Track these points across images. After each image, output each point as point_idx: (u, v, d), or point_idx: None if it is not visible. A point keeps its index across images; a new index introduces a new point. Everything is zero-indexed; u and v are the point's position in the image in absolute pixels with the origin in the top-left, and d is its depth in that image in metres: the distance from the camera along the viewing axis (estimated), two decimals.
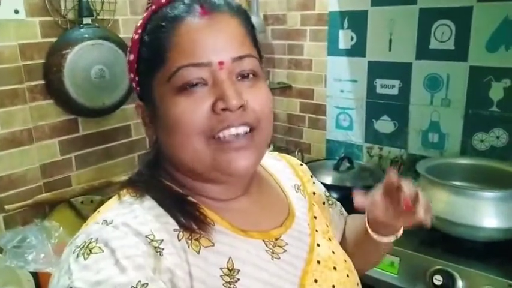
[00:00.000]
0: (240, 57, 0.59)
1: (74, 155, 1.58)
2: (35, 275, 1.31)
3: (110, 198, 1.73)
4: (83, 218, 1.56)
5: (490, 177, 1.38)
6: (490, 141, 1.50)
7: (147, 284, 0.51)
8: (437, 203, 1.26)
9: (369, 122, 1.79)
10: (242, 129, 0.59)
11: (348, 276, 0.71)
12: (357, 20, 1.72)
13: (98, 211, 0.62)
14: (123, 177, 1.72)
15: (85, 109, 1.50)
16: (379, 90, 1.73)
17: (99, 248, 0.53)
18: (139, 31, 0.61)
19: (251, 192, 0.69)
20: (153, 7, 0.61)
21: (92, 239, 0.54)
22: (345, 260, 0.74)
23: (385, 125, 1.75)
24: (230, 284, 0.58)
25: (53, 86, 1.43)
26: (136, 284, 0.50)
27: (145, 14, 0.62)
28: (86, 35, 1.44)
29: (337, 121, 1.88)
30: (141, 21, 0.62)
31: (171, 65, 0.57)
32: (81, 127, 1.58)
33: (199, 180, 0.63)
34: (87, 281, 0.50)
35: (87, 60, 1.44)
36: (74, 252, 0.54)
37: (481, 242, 1.25)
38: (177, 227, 0.58)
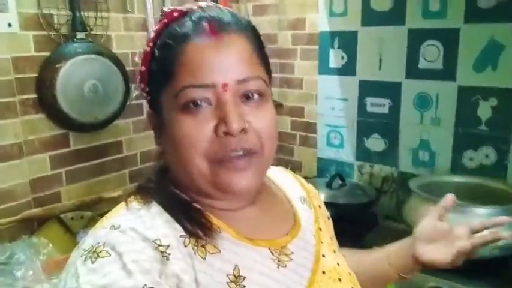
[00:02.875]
0: (245, 80, 0.59)
1: (64, 170, 1.56)
2: None
3: (101, 214, 1.70)
4: (72, 234, 1.54)
5: (480, 195, 1.40)
6: (479, 159, 1.53)
7: None
8: None
9: (359, 140, 1.81)
10: (242, 152, 0.60)
11: None
12: (347, 40, 1.76)
13: (106, 217, 0.62)
14: (114, 194, 1.71)
15: (77, 124, 1.49)
16: (369, 108, 1.75)
17: (107, 252, 0.53)
18: (151, 44, 0.62)
19: (258, 201, 0.69)
20: (165, 20, 0.62)
21: (99, 243, 0.54)
22: (350, 273, 0.73)
23: (375, 143, 1.77)
24: None
25: (45, 100, 1.42)
26: None
27: (157, 27, 0.63)
28: (80, 50, 1.44)
29: (328, 139, 1.90)
30: (153, 34, 0.63)
31: (177, 84, 0.58)
32: (72, 142, 1.56)
33: (202, 195, 0.64)
34: (94, 285, 0.51)
35: (80, 75, 1.44)
36: (81, 256, 0.54)
37: (476, 259, 1.25)
38: (183, 233, 0.59)
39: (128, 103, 1.62)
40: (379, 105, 1.73)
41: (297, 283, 0.64)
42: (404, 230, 1.33)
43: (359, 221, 1.60)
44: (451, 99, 1.55)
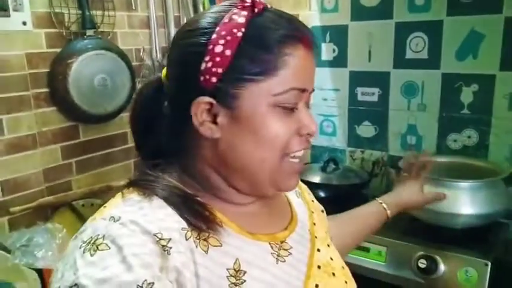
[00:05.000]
0: (313, 91, 0.66)
1: (74, 160, 1.64)
2: (40, 273, 1.35)
3: None
4: (84, 220, 1.61)
5: (464, 173, 1.50)
6: (462, 141, 1.65)
7: (153, 283, 0.51)
8: None
9: (351, 127, 1.92)
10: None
11: (346, 282, 0.73)
12: (338, 34, 1.86)
13: (105, 206, 0.62)
14: (121, 182, 1.79)
15: (87, 116, 1.58)
16: (360, 97, 1.86)
17: (106, 244, 0.52)
18: (242, 29, 0.59)
19: None
20: (255, 10, 0.61)
21: (98, 235, 0.54)
22: (343, 267, 0.76)
23: (366, 129, 1.88)
24: (236, 285, 0.59)
25: (57, 94, 1.51)
26: (142, 283, 0.50)
27: (244, 13, 0.60)
28: (90, 46, 1.53)
29: (321, 128, 2.00)
30: (242, 19, 0.60)
31: (279, 83, 0.60)
32: (81, 134, 1.65)
33: (236, 189, 0.65)
34: (92, 278, 0.50)
35: (90, 69, 1.53)
36: (80, 248, 0.53)
37: (459, 228, 1.37)
38: (185, 226, 0.58)
39: (134, 96, 1.71)
40: (369, 94, 1.84)
41: (294, 278, 0.66)
42: None
43: (352, 202, 1.69)
44: (436, 86, 1.67)
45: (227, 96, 0.60)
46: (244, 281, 0.59)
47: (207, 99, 0.60)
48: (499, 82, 1.54)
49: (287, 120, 0.61)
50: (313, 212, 0.81)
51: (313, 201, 0.87)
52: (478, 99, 1.59)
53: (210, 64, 0.59)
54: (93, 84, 1.54)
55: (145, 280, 0.50)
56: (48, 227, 1.49)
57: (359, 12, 1.79)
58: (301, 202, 0.81)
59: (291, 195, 0.80)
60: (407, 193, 1.15)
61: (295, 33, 0.61)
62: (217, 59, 0.59)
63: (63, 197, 1.60)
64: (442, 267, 1.29)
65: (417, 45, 1.68)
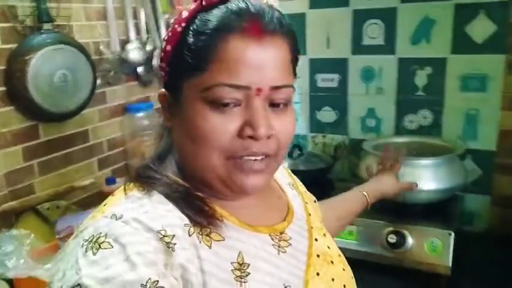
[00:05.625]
0: (278, 87, 0.58)
1: (36, 161, 1.56)
2: (10, 283, 1.30)
3: (75, 203, 1.72)
4: (50, 224, 1.56)
5: (421, 151, 1.61)
6: (418, 121, 1.76)
7: (158, 281, 0.50)
8: None
9: (312, 113, 1.98)
10: (261, 156, 0.60)
11: (343, 269, 0.74)
12: (296, 22, 1.90)
13: (105, 204, 0.61)
14: (86, 182, 1.74)
15: (47, 114, 1.50)
16: (320, 84, 1.92)
17: (109, 243, 0.52)
18: (183, 24, 0.59)
19: None
20: (203, 3, 0.59)
21: (101, 233, 0.53)
22: (339, 255, 0.77)
23: (327, 115, 1.94)
24: (241, 278, 0.59)
25: (16, 92, 1.42)
26: (146, 282, 0.50)
27: (192, 6, 0.60)
28: (48, 40, 1.45)
29: None
30: (186, 14, 0.60)
31: (208, 78, 0.56)
32: (41, 133, 1.57)
33: (207, 186, 0.64)
34: (95, 278, 0.49)
35: (50, 65, 1.45)
36: (82, 246, 0.53)
37: (423, 203, 1.47)
38: (187, 222, 0.58)
39: (96, 91, 1.65)
40: (328, 80, 1.90)
41: (295, 268, 0.66)
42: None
43: (319, 185, 1.76)
44: (392, 71, 1.76)
45: (172, 89, 0.62)
46: (249, 273, 0.59)
47: (164, 91, 0.64)
48: (451, 65, 1.65)
49: (225, 118, 0.57)
50: (307, 203, 0.82)
51: (305, 192, 0.88)
52: (432, 81, 1.70)
53: (160, 59, 0.64)
54: (52, 81, 1.46)
55: (150, 279, 0.50)
56: (15, 234, 1.41)
57: (316, 0, 1.83)
58: (296, 193, 0.82)
59: (286, 187, 0.81)
60: (383, 184, 1.22)
61: (232, 23, 0.56)
62: (162, 54, 0.63)
63: (27, 201, 1.52)
64: (409, 240, 1.39)
65: (373, 32, 1.76)
